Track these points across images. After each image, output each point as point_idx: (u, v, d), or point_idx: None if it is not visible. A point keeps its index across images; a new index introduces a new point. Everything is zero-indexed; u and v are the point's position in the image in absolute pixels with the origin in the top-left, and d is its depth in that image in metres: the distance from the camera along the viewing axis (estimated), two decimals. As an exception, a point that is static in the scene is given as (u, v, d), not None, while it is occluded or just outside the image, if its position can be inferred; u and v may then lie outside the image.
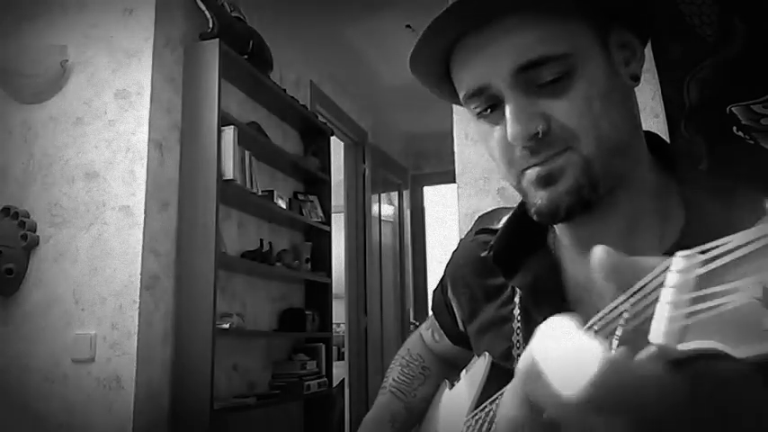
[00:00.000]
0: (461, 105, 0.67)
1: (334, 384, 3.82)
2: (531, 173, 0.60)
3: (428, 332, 0.99)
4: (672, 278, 0.28)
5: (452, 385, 0.84)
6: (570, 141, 0.58)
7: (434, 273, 5.73)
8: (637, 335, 0.28)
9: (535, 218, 0.62)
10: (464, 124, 2.47)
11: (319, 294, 3.64)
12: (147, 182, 2.43)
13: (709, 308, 0.25)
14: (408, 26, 3.84)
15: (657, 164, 0.66)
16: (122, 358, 2.32)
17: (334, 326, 3.77)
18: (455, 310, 0.86)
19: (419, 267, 5.68)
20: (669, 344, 0.26)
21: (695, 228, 0.58)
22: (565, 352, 0.27)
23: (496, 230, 0.75)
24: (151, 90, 2.50)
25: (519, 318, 0.70)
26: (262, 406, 2.90)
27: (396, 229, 5.47)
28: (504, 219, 0.75)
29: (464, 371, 0.78)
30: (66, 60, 2.62)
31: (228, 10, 2.86)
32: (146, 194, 2.42)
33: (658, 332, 0.26)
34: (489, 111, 0.62)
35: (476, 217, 2.37)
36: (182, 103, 2.67)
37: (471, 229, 0.86)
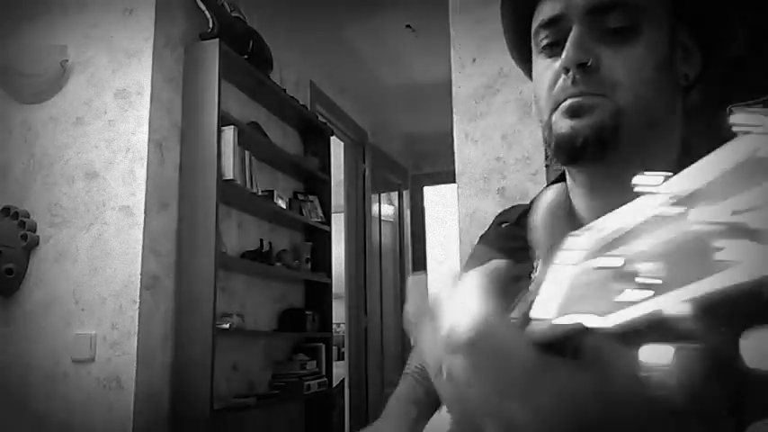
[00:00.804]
0: (528, 75, 0.74)
1: (334, 384, 3.82)
2: (566, 103, 0.64)
3: None
4: (562, 255, 0.31)
5: None
6: (609, 90, 0.62)
7: (434, 273, 5.72)
8: (529, 305, 0.31)
9: (552, 147, 0.66)
10: (464, 124, 2.47)
11: (319, 294, 3.65)
12: (147, 182, 2.44)
13: (583, 285, 0.26)
14: (408, 26, 3.85)
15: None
16: (122, 358, 2.32)
17: (334, 326, 3.77)
18: None
19: (419, 267, 5.68)
20: (544, 317, 0.28)
21: None
22: (459, 299, 0.32)
23: (519, 222, 0.77)
24: (151, 90, 2.50)
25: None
26: (262, 406, 2.91)
27: (396, 229, 5.48)
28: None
29: None
30: (67, 60, 2.62)
31: (228, 10, 2.86)
32: (146, 194, 2.42)
33: (537, 306, 0.29)
34: (552, 47, 0.67)
35: (476, 217, 2.37)
36: (182, 103, 2.67)
37: (492, 223, 0.88)
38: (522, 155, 2.34)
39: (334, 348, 4.09)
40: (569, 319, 0.26)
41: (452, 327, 0.31)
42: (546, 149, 0.70)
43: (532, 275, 0.71)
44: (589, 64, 0.62)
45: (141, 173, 2.44)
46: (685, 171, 0.23)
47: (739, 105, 1.77)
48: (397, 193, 5.56)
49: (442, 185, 5.62)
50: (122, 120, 2.52)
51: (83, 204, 2.51)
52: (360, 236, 4.86)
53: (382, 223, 5.18)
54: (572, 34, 0.63)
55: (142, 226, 2.40)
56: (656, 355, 0.21)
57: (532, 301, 0.30)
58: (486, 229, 0.90)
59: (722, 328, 0.19)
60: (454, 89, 2.51)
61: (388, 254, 5.25)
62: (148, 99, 2.49)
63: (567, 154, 0.65)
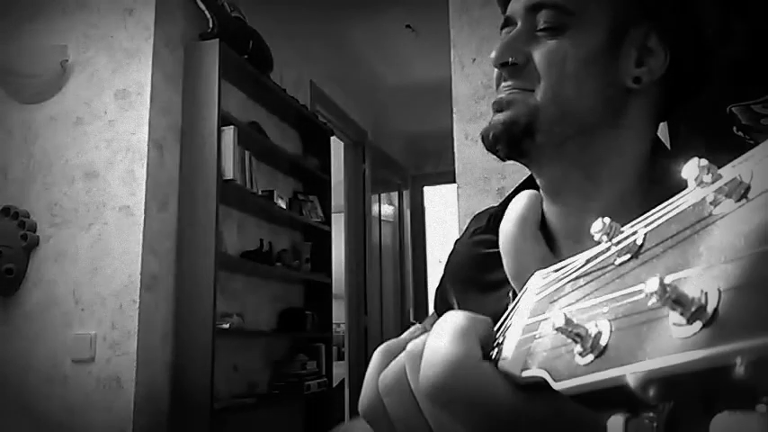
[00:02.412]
0: None
1: (334, 384, 3.82)
2: (495, 99, 0.66)
3: None
4: (525, 299, 0.28)
5: None
6: (534, 85, 0.62)
7: (434, 273, 5.74)
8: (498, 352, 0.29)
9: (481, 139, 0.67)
10: (464, 124, 2.46)
11: (319, 294, 3.65)
12: (146, 182, 2.43)
13: (542, 335, 0.25)
14: (408, 26, 3.85)
15: (650, 172, 0.66)
16: (122, 358, 2.32)
17: (334, 326, 3.77)
18: (455, 309, 0.86)
19: (419, 267, 5.68)
20: (512, 369, 0.26)
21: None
22: (433, 345, 0.29)
23: (488, 228, 0.76)
24: (151, 90, 2.50)
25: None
26: (262, 406, 2.91)
27: (396, 229, 5.47)
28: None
29: None
30: (67, 60, 2.62)
31: (228, 10, 2.86)
32: (146, 194, 2.42)
33: (506, 356, 0.27)
34: None
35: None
36: (182, 103, 2.67)
37: (467, 228, 0.87)
38: (522, 155, 2.34)
39: (334, 348, 4.09)
40: (533, 372, 0.24)
41: (425, 370, 0.28)
42: None
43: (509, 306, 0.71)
44: (511, 62, 0.63)
45: (141, 173, 2.44)
46: (640, 219, 0.23)
47: (740, 105, 1.77)
48: (397, 193, 5.55)
49: (442, 185, 5.62)
50: (122, 120, 2.52)
51: (83, 204, 2.50)
52: (360, 236, 4.86)
53: (382, 223, 5.18)
54: (507, 35, 0.65)
55: (142, 226, 2.40)
56: (613, 426, 0.20)
57: (500, 348, 0.28)
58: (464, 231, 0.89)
59: (685, 408, 0.18)
60: (454, 89, 2.51)
61: (388, 254, 5.25)
62: (148, 99, 2.49)
63: (486, 147, 0.65)
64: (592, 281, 0.23)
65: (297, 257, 3.44)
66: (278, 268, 3.20)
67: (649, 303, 0.18)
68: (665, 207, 0.21)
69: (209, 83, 2.63)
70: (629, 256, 0.22)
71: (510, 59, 0.63)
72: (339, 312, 4.29)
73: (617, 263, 0.22)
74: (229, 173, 2.73)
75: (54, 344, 2.41)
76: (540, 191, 0.70)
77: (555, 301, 0.26)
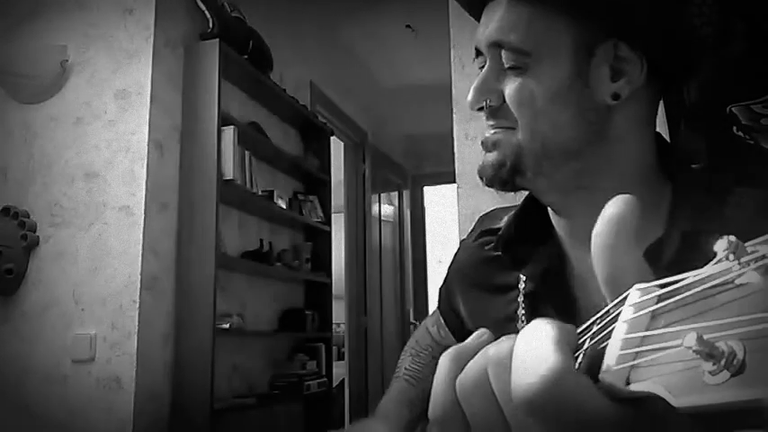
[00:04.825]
0: None
1: (334, 384, 3.82)
2: (483, 137, 0.67)
3: (434, 328, 0.99)
4: (626, 312, 0.28)
5: None
6: (514, 123, 0.63)
7: (434, 273, 5.74)
8: (595, 359, 0.28)
9: None
10: (464, 124, 2.46)
11: (319, 294, 3.64)
12: (146, 182, 2.43)
13: (656, 350, 0.24)
14: (408, 26, 3.85)
15: (657, 171, 0.65)
16: (122, 358, 2.32)
17: (334, 326, 3.77)
18: (461, 310, 0.86)
19: (419, 267, 5.68)
20: (616, 382, 0.26)
21: (678, 220, 0.59)
22: (529, 354, 0.28)
23: (499, 230, 0.75)
24: (151, 90, 2.50)
25: (523, 317, 0.71)
26: (262, 406, 2.90)
27: (396, 229, 5.48)
28: (507, 216, 0.76)
29: None
30: (66, 60, 2.62)
31: (228, 10, 2.86)
32: (146, 194, 2.42)
33: (608, 368, 0.27)
34: None
35: (476, 217, 2.37)
36: (182, 103, 2.67)
37: (473, 230, 0.86)
38: (523, 155, 2.34)
39: (334, 348, 4.09)
40: (644, 387, 0.24)
41: (523, 379, 0.28)
42: None
43: (519, 286, 0.71)
44: (487, 105, 0.64)
45: (141, 173, 2.44)
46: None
47: (740, 105, 1.77)
48: (397, 193, 5.55)
49: (442, 185, 5.61)
50: (122, 120, 2.52)
51: (83, 204, 2.50)
52: (360, 236, 4.86)
53: (382, 223, 5.18)
54: (479, 75, 0.65)
55: (142, 226, 2.40)
56: None
57: (600, 359, 0.28)
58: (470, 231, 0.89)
59: None
60: (454, 89, 2.51)
61: (388, 254, 5.25)
62: (148, 99, 2.49)
63: (485, 185, 0.67)
64: (704, 299, 0.23)
65: (297, 257, 3.44)
66: (278, 268, 3.20)
67: None
68: None
69: (209, 83, 2.63)
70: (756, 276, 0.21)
71: (485, 103, 0.64)
72: (339, 312, 4.29)
73: (738, 282, 0.21)
74: (229, 173, 2.73)
75: (54, 344, 2.41)
76: (563, 238, 0.70)
77: (658, 316, 0.25)
